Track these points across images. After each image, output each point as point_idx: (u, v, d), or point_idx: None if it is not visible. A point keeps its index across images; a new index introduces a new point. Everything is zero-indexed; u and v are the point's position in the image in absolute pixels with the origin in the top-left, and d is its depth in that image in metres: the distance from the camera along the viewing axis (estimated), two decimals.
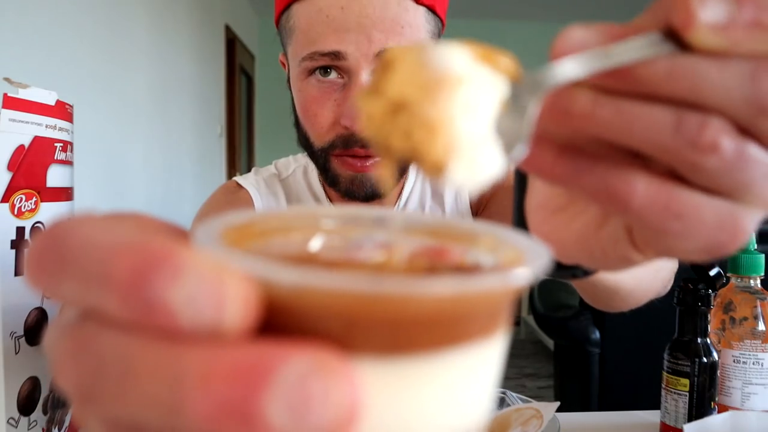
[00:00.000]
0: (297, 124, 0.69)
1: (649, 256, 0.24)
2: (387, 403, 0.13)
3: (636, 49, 0.18)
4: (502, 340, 0.15)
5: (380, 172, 0.18)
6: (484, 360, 0.15)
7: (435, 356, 0.14)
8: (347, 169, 0.63)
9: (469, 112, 0.17)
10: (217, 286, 0.13)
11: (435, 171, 0.17)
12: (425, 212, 0.71)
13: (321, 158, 0.66)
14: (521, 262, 0.15)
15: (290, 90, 0.71)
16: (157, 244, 0.13)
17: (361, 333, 0.13)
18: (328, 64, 0.61)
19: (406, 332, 0.13)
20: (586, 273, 0.30)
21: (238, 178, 0.80)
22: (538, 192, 0.26)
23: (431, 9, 0.63)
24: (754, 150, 0.19)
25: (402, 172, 0.66)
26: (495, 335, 0.15)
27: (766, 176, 0.20)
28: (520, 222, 0.28)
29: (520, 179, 0.28)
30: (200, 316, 0.13)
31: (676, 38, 0.18)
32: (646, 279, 0.50)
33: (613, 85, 0.19)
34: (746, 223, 0.21)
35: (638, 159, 0.21)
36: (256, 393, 0.12)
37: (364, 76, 0.59)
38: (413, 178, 0.73)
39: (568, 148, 0.21)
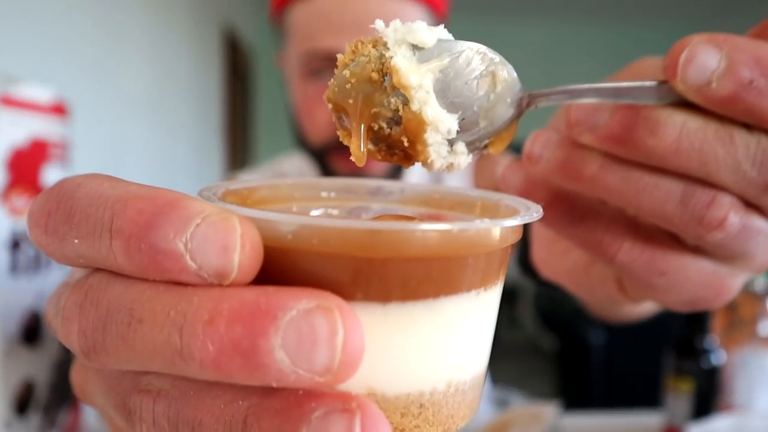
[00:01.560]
0: (293, 122, 0.69)
1: (634, 301, 0.24)
2: (382, 348, 0.14)
3: (631, 94, 0.18)
4: (493, 295, 0.16)
5: (351, 143, 0.19)
6: (477, 310, 0.15)
7: (428, 303, 0.14)
8: (346, 168, 0.63)
9: (440, 98, 0.18)
10: (225, 232, 0.13)
11: (411, 137, 0.18)
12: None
13: (318, 157, 0.66)
14: (513, 216, 0.16)
15: (287, 91, 0.71)
16: (164, 194, 0.13)
17: (359, 279, 0.13)
18: (325, 65, 0.60)
19: (400, 279, 0.13)
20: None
21: (238, 174, 0.82)
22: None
23: (430, 8, 0.63)
24: (758, 222, 0.19)
25: (396, 170, 0.66)
26: (489, 286, 0.15)
27: (763, 244, 0.20)
28: (523, 243, 0.28)
29: None
30: (208, 261, 0.13)
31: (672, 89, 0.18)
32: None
33: (623, 153, 0.19)
34: (731, 283, 0.22)
35: (630, 216, 0.21)
36: (262, 332, 0.12)
37: None
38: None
39: (562, 195, 0.21)
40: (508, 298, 4.87)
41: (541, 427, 0.51)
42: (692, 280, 0.21)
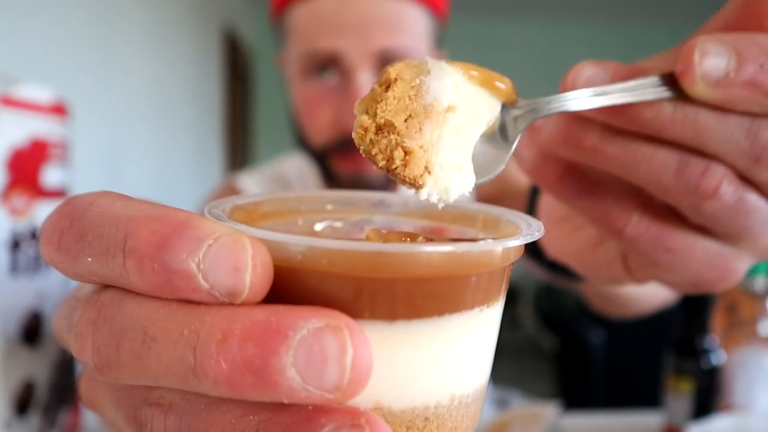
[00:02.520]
0: (294, 123, 0.69)
1: (639, 281, 0.25)
2: (389, 364, 0.14)
3: (635, 91, 0.19)
4: (495, 312, 0.16)
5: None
6: (480, 328, 0.16)
7: (433, 321, 0.14)
8: (347, 168, 0.62)
9: (450, 139, 0.18)
10: (237, 252, 0.13)
11: (410, 187, 0.18)
12: None
13: (320, 158, 0.65)
14: (515, 234, 0.16)
15: (287, 92, 0.71)
16: (175, 213, 0.14)
17: (366, 299, 0.14)
18: (326, 64, 0.60)
19: (406, 298, 0.14)
20: (579, 278, 0.31)
21: (238, 174, 0.81)
22: (547, 199, 0.27)
23: (431, 9, 0.63)
24: (753, 198, 0.20)
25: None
26: (491, 304, 0.16)
27: (764, 224, 0.21)
28: None
29: (535, 185, 0.29)
30: (220, 281, 0.13)
31: (678, 85, 0.19)
32: (651, 289, 0.49)
33: (621, 124, 0.20)
34: (737, 265, 0.23)
35: (640, 191, 0.22)
36: (274, 351, 0.12)
37: (362, 76, 0.58)
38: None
39: (574, 168, 0.22)
40: (508, 298, 4.86)
41: (541, 427, 0.51)
42: (698, 260, 0.22)
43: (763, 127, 0.18)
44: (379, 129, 0.17)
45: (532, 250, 0.32)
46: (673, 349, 0.57)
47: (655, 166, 0.20)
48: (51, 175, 0.53)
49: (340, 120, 0.60)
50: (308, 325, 0.13)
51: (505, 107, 0.20)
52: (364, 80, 0.58)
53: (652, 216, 0.22)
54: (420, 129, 0.17)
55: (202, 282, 0.13)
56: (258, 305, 0.13)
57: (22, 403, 0.49)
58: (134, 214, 0.14)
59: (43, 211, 0.51)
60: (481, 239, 0.17)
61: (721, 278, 0.23)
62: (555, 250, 0.27)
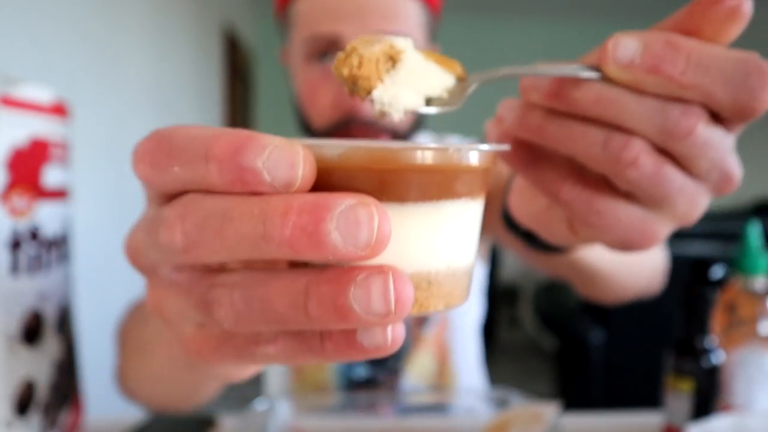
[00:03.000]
0: (298, 111, 0.72)
1: (582, 241, 0.30)
2: (400, 239, 0.19)
3: (560, 70, 0.24)
4: (477, 204, 0.22)
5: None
6: (465, 215, 0.21)
7: (432, 205, 0.20)
8: None
9: (405, 78, 0.24)
10: (291, 154, 0.18)
11: (365, 93, 0.24)
12: None
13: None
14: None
15: (291, 83, 0.74)
16: (243, 131, 0.18)
17: (383, 186, 0.19)
18: (327, 48, 0.64)
19: (412, 185, 0.19)
20: (551, 248, 0.37)
21: None
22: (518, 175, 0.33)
23: (424, 2, 0.67)
24: (669, 169, 0.24)
25: None
26: (474, 198, 0.21)
27: (680, 192, 0.25)
28: (506, 205, 0.38)
29: None
30: (279, 174, 0.17)
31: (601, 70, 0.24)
32: (625, 269, 0.53)
33: (558, 106, 0.25)
34: (658, 228, 0.27)
35: (574, 162, 0.26)
36: (322, 219, 0.17)
37: None
38: None
39: (525, 145, 0.27)
40: (509, 298, 4.87)
41: (541, 427, 0.51)
42: (623, 222, 0.26)
43: (672, 107, 0.23)
44: (347, 56, 0.23)
45: (509, 222, 0.38)
46: (672, 349, 0.57)
47: (585, 141, 0.24)
48: (51, 175, 0.53)
49: (341, 100, 0.64)
50: (345, 202, 0.17)
51: (458, 81, 0.26)
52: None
53: (583, 183, 0.26)
54: (371, 48, 0.23)
55: (267, 176, 0.17)
56: (307, 192, 0.18)
57: (23, 403, 0.49)
58: (212, 132, 0.19)
59: (43, 211, 0.51)
60: (470, 150, 0.23)
61: (644, 239, 0.27)
62: (519, 215, 0.32)
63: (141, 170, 0.21)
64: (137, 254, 0.24)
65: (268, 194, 0.18)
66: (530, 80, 0.25)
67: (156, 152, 0.20)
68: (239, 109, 4.30)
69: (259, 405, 0.58)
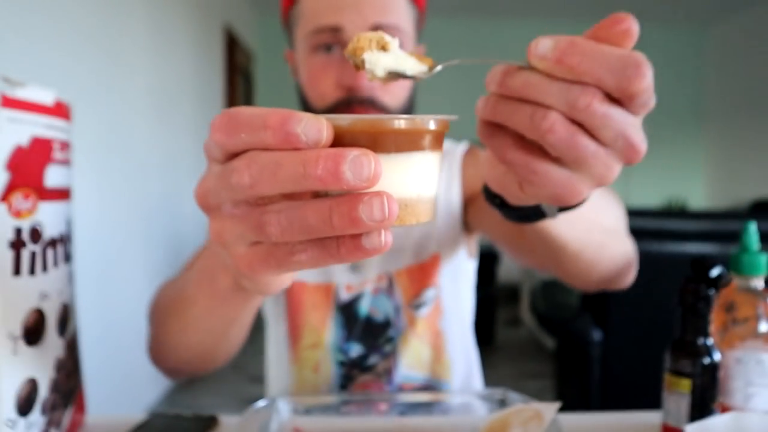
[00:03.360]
0: (301, 101, 0.77)
1: (529, 196, 0.38)
2: (387, 176, 0.29)
3: (495, 60, 0.34)
4: (436, 155, 0.32)
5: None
6: (428, 161, 0.31)
7: (407, 155, 0.30)
8: None
9: (390, 58, 0.35)
10: (318, 123, 0.27)
11: (359, 59, 0.34)
12: None
13: None
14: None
15: (296, 79, 0.80)
16: (287, 110, 0.28)
17: (377, 143, 0.29)
18: (330, 39, 0.70)
19: (394, 141, 0.29)
20: (515, 215, 0.45)
21: None
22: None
23: (412, 1, 0.74)
24: (580, 136, 0.32)
25: None
26: (433, 150, 0.32)
27: (594, 156, 0.33)
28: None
29: None
30: (311, 136, 0.27)
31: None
32: (591, 249, 0.58)
33: (504, 92, 0.33)
34: (580, 187, 0.35)
35: (516, 133, 0.35)
36: (340, 163, 0.27)
37: None
38: None
39: (487, 122, 0.35)
40: (509, 299, 4.87)
41: (540, 426, 0.51)
42: (553, 181, 0.34)
43: (574, 87, 0.31)
44: (353, 41, 0.35)
45: (487, 193, 0.46)
46: (670, 349, 0.57)
47: (520, 115, 0.33)
48: (53, 176, 0.53)
49: (342, 81, 0.70)
50: (354, 153, 0.27)
51: (429, 70, 0.36)
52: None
53: (524, 150, 0.34)
54: (369, 37, 0.34)
55: (303, 137, 0.27)
56: (330, 147, 0.28)
57: (25, 403, 0.49)
58: (265, 111, 0.28)
59: (45, 211, 0.51)
60: (434, 118, 0.32)
61: (571, 195, 0.35)
62: (489, 181, 0.41)
63: (217, 137, 0.30)
64: (206, 197, 0.33)
65: (304, 149, 0.28)
66: (489, 76, 0.34)
67: (228, 124, 0.29)
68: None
69: (260, 405, 0.59)
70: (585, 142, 0.32)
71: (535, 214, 0.44)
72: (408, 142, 0.30)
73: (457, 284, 0.85)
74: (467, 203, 0.82)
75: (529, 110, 0.32)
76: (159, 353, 0.65)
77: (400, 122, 0.29)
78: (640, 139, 0.33)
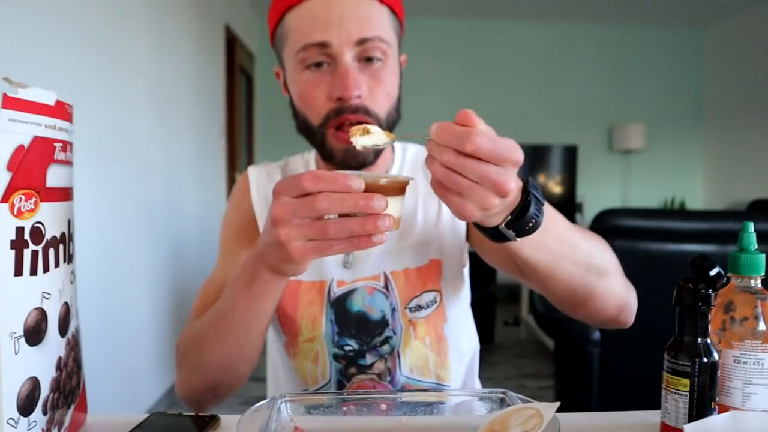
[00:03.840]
0: (296, 115, 0.80)
1: (457, 213, 0.53)
2: (390, 210, 0.52)
3: (418, 139, 0.59)
4: (403, 197, 0.55)
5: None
6: (402, 201, 0.55)
7: (396, 197, 0.54)
8: (340, 142, 0.75)
9: (371, 136, 0.57)
10: (360, 182, 0.51)
11: (350, 140, 0.57)
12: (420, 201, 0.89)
13: (319, 135, 0.77)
14: (406, 179, 0.55)
15: (286, 94, 0.84)
16: (346, 172, 0.51)
17: (385, 190, 0.52)
18: (318, 56, 0.73)
19: (387, 190, 0.52)
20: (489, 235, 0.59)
21: (250, 167, 0.94)
22: None
23: (392, 9, 0.77)
24: (456, 176, 0.49)
25: (377, 153, 0.81)
26: (404, 194, 0.55)
27: (470, 189, 0.49)
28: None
29: None
30: (355, 187, 0.50)
31: None
32: (562, 274, 0.65)
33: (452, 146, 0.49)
34: (470, 209, 0.51)
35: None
36: (371, 200, 0.50)
37: (347, 58, 0.73)
38: (400, 160, 0.90)
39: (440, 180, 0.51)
40: (509, 299, 4.87)
41: (540, 426, 0.51)
42: (457, 205, 0.51)
43: (442, 149, 0.49)
44: (357, 130, 0.57)
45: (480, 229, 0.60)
46: (669, 349, 0.57)
47: (430, 165, 0.51)
48: (55, 176, 0.53)
49: (333, 93, 0.73)
50: (376, 196, 0.50)
51: (390, 140, 0.57)
52: (349, 60, 0.73)
53: (439, 185, 0.52)
54: (357, 129, 0.57)
55: (353, 187, 0.50)
56: (363, 193, 0.50)
57: (27, 402, 0.49)
58: (334, 173, 0.51)
59: (47, 211, 0.52)
60: (402, 177, 0.54)
61: (464, 213, 0.51)
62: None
63: (308, 184, 0.51)
64: (283, 215, 0.52)
65: (354, 193, 0.50)
66: (430, 149, 0.50)
67: (314, 178, 0.51)
68: (240, 109, 4.30)
69: (260, 404, 0.59)
70: (459, 179, 0.49)
71: (498, 234, 0.57)
72: (395, 190, 0.53)
73: (459, 291, 0.88)
74: (470, 224, 0.86)
75: (430, 160, 0.50)
76: (192, 381, 0.73)
77: (395, 179, 0.53)
78: (501, 180, 0.48)
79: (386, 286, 0.83)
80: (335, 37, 0.71)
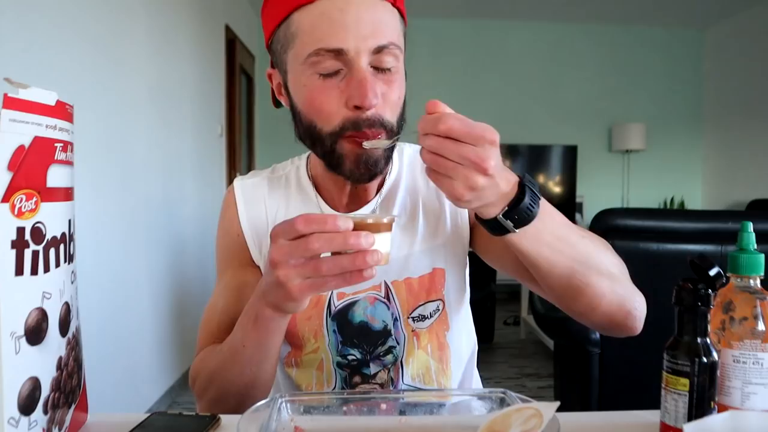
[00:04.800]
0: (299, 120, 0.76)
1: (450, 196, 0.59)
2: (378, 246, 0.56)
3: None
4: (390, 233, 0.59)
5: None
6: (390, 237, 0.59)
7: (383, 234, 0.58)
8: (355, 148, 0.72)
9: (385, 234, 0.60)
10: (348, 222, 0.55)
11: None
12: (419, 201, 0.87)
13: (328, 142, 0.73)
14: (392, 218, 0.61)
15: (275, 100, 0.82)
16: (335, 214, 0.62)
17: (372, 229, 0.56)
18: (332, 62, 0.69)
19: (376, 229, 0.57)
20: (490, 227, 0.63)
21: (236, 179, 0.92)
22: None
23: (400, 11, 0.75)
24: (440, 158, 0.56)
25: (387, 159, 0.77)
26: (391, 230, 0.59)
27: (454, 169, 0.55)
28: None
29: None
30: (343, 227, 0.55)
31: None
32: (562, 270, 0.66)
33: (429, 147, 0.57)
34: (457, 188, 0.56)
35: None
36: (358, 238, 0.54)
37: (363, 63, 0.69)
38: (398, 169, 0.88)
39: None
40: (509, 299, 4.87)
41: (540, 425, 0.51)
42: (446, 185, 0.57)
43: (424, 137, 0.57)
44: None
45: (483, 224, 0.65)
46: (669, 348, 0.57)
47: (422, 154, 0.58)
48: (56, 176, 0.53)
49: (349, 101, 0.70)
50: (363, 233, 0.55)
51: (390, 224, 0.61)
52: (365, 66, 0.70)
53: (434, 173, 0.58)
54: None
55: (342, 227, 0.55)
56: (352, 231, 0.55)
57: (28, 402, 0.49)
58: (323, 215, 0.56)
59: (47, 211, 0.52)
60: (388, 217, 0.59)
61: (453, 193, 0.57)
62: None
63: (301, 227, 0.55)
64: (281, 258, 0.57)
65: (343, 233, 0.54)
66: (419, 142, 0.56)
67: (306, 220, 0.55)
68: (240, 109, 4.30)
69: (260, 404, 0.59)
70: (442, 161, 0.55)
71: (498, 225, 0.62)
72: (383, 228, 0.57)
73: (461, 297, 0.88)
74: (473, 227, 0.86)
75: (422, 152, 0.57)
76: (214, 409, 0.74)
77: (381, 220, 0.57)
78: (480, 158, 0.54)
79: (387, 296, 0.83)
80: (352, 44, 0.68)
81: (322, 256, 0.56)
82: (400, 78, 0.74)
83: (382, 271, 0.83)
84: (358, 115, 0.70)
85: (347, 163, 0.73)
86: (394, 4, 0.72)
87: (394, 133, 0.73)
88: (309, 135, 0.75)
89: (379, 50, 0.69)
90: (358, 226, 0.56)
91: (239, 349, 0.69)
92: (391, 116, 0.72)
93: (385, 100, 0.71)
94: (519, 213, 0.60)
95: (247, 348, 0.68)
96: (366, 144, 0.68)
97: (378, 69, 0.71)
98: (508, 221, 0.61)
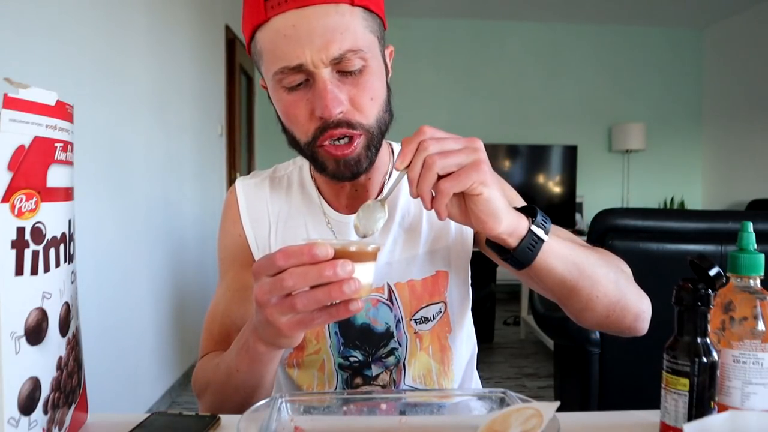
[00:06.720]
0: (284, 129, 0.78)
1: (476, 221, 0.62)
2: (360, 273, 0.53)
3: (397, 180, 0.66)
4: (374, 263, 0.56)
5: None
6: (374, 266, 0.56)
7: (366, 263, 0.54)
8: (331, 157, 0.73)
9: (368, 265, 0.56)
10: (327, 249, 0.52)
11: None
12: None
13: (308, 151, 0.75)
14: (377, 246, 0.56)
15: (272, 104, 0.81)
16: (314, 243, 0.52)
17: (353, 257, 0.53)
18: (295, 77, 0.70)
19: (359, 257, 0.53)
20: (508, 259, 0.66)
21: (237, 180, 0.92)
22: None
23: (368, 8, 0.71)
24: (437, 163, 0.58)
25: (372, 156, 0.76)
26: (375, 260, 0.56)
27: (458, 170, 0.58)
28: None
29: None
30: (323, 255, 0.52)
31: None
32: (603, 283, 0.68)
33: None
34: (473, 185, 0.58)
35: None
36: (336, 268, 0.51)
37: (323, 75, 0.69)
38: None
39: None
40: (509, 298, 4.87)
41: (540, 425, 0.51)
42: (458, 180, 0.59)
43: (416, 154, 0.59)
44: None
45: (491, 246, 0.68)
46: (668, 348, 0.57)
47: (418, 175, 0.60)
48: (56, 176, 0.53)
49: (314, 112, 0.71)
50: (342, 262, 0.52)
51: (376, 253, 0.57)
52: (326, 76, 0.69)
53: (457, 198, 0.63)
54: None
55: (321, 256, 0.52)
56: (332, 260, 0.52)
57: (28, 402, 0.49)
58: (301, 246, 0.53)
59: (47, 211, 0.52)
60: (372, 245, 0.55)
61: (473, 185, 0.59)
62: (453, 217, 0.65)
63: (281, 262, 0.53)
64: (261, 296, 0.55)
65: (318, 265, 0.51)
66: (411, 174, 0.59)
67: (284, 254, 0.53)
68: (240, 109, 4.30)
69: (260, 404, 0.59)
70: (442, 186, 0.58)
71: (524, 248, 0.63)
72: (366, 257, 0.54)
73: (464, 299, 0.88)
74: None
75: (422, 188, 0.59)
76: (213, 403, 0.75)
77: (362, 248, 0.54)
78: (475, 161, 0.58)
79: (390, 298, 0.83)
80: (308, 58, 0.67)
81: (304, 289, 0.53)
82: (373, 77, 0.72)
83: (385, 273, 0.83)
84: (326, 122, 0.71)
85: (329, 167, 0.74)
86: (353, 3, 0.69)
87: (371, 132, 0.73)
88: (293, 144, 0.77)
89: (337, 59, 0.68)
90: (340, 254, 0.52)
91: (233, 373, 0.68)
92: (363, 117, 0.72)
93: (355, 104, 0.71)
94: (541, 223, 0.64)
95: (241, 373, 0.67)
96: (382, 197, 0.69)
97: (344, 72, 0.69)
98: (539, 229, 0.64)
